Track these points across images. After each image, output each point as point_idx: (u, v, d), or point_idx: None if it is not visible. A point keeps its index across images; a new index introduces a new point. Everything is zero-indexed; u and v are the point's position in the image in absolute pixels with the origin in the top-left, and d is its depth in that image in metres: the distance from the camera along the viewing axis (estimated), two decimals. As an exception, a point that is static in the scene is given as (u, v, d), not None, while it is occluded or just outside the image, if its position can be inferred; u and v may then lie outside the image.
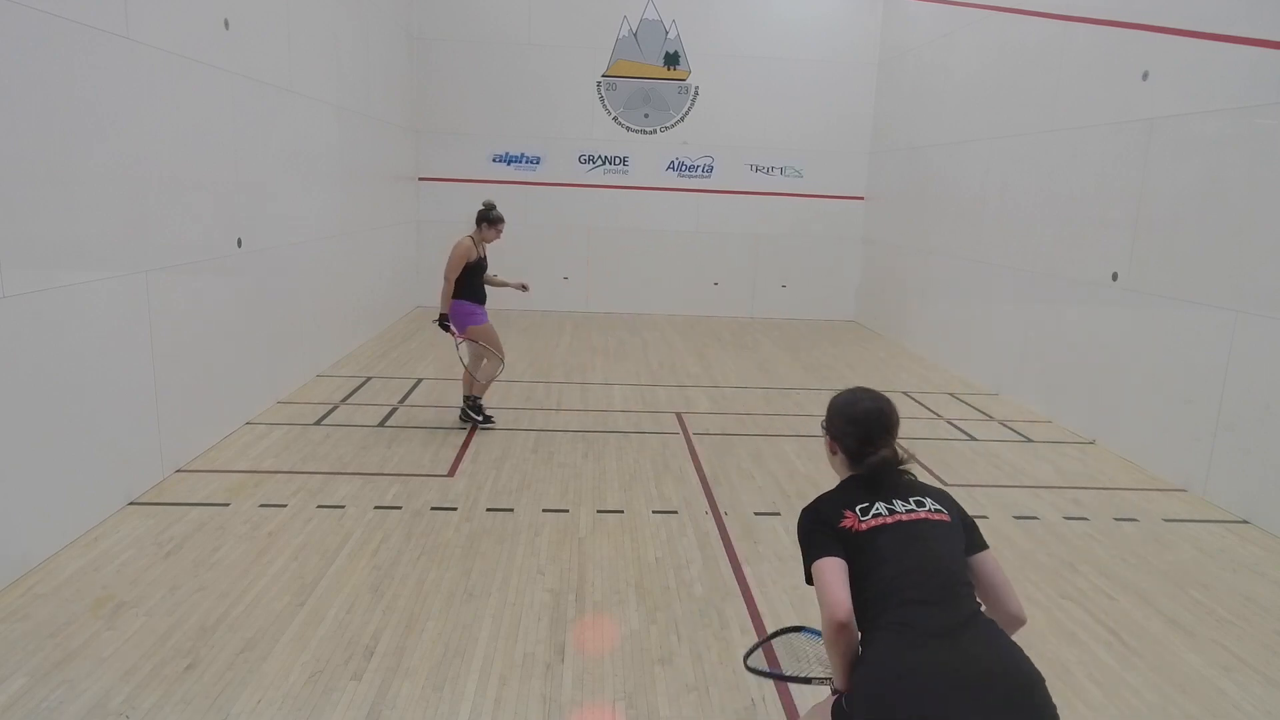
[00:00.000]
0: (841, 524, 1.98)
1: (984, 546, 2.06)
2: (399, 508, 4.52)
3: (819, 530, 2.01)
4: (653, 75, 11.15)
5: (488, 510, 4.54)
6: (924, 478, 5.31)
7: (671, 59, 11.14)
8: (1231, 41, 5.08)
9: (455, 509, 4.54)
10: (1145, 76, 5.82)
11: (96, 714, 2.72)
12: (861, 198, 11.52)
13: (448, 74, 10.88)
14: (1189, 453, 5.27)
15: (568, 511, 4.57)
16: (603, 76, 11.12)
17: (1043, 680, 1.84)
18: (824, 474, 5.32)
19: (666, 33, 11.09)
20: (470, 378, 5.96)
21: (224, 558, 3.84)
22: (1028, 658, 1.85)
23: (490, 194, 11.14)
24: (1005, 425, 6.61)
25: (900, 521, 1.97)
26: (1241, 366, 4.90)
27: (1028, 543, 4.38)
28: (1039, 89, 7.18)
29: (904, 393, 7.54)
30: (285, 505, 4.48)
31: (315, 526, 4.23)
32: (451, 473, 5.09)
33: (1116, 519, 4.76)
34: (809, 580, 2.01)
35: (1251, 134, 4.92)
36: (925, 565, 1.89)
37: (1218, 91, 5.19)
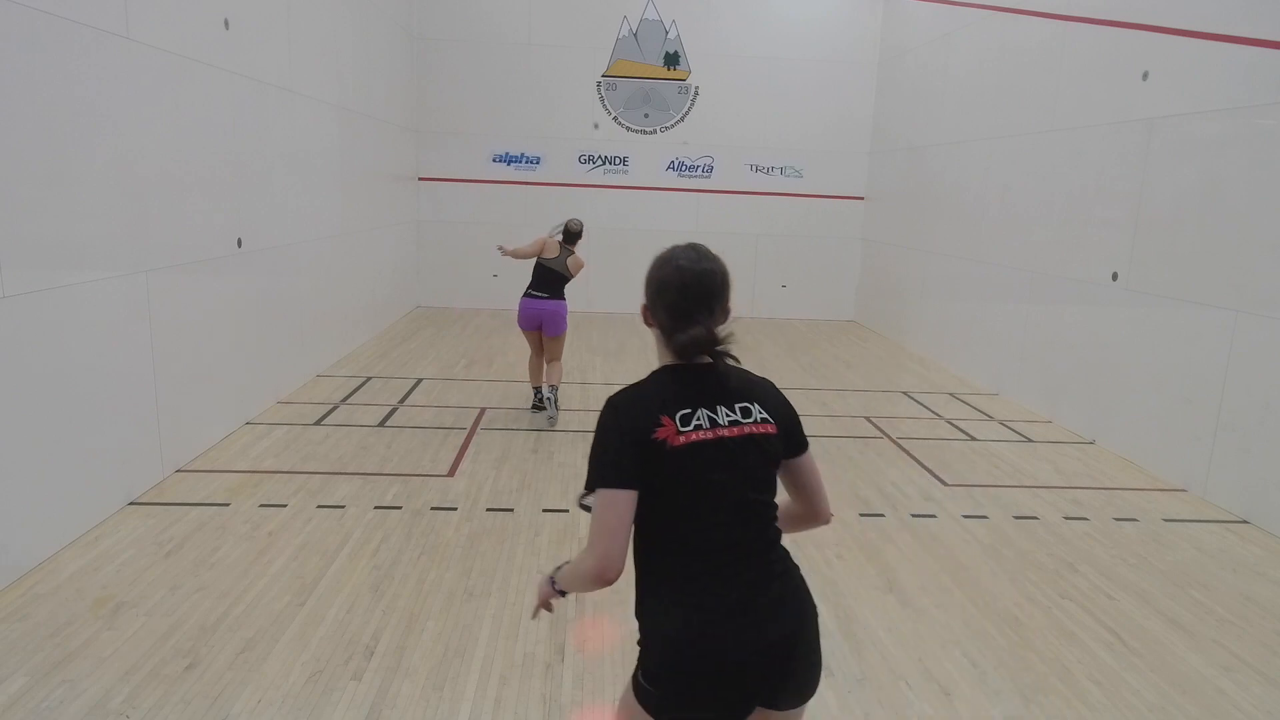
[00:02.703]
0: (655, 434, 1.61)
1: (803, 448, 1.82)
2: (399, 508, 4.52)
3: (624, 443, 1.61)
4: (653, 75, 11.15)
5: (488, 510, 4.54)
6: (924, 477, 5.41)
7: (671, 59, 11.14)
8: (1231, 41, 5.08)
9: (455, 509, 4.54)
10: (1145, 76, 5.82)
11: (96, 714, 2.72)
12: (861, 198, 11.52)
13: (448, 74, 10.88)
14: (1189, 453, 5.27)
15: (568, 511, 4.57)
16: (603, 76, 11.12)
17: (815, 632, 1.74)
18: (824, 473, 5.30)
19: (666, 33, 11.09)
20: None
21: (224, 558, 3.84)
22: (809, 607, 1.75)
23: (489, 194, 11.24)
24: (1005, 425, 6.61)
25: (721, 439, 1.65)
26: (1241, 366, 4.90)
27: (1028, 543, 4.38)
28: (1039, 89, 7.18)
29: (904, 393, 7.55)
30: (285, 505, 4.48)
31: (315, 526, 4.23)
32: (451, 473, 5.09)
33: (1116, 519, 4.76)
34: (584, 500, 1.70)
35: (1251, 134, 4.92)
36: (734, 510, 1.66)
37: (1217, 91, 5.19)
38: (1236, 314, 4.94)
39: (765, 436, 1.71)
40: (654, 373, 1.75)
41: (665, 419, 1.62)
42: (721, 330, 1.73)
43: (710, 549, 1.65)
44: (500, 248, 6.38)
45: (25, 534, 3.64)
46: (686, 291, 1.72)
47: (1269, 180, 4.77)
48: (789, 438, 1.78)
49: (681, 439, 1.62)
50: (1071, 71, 6.74)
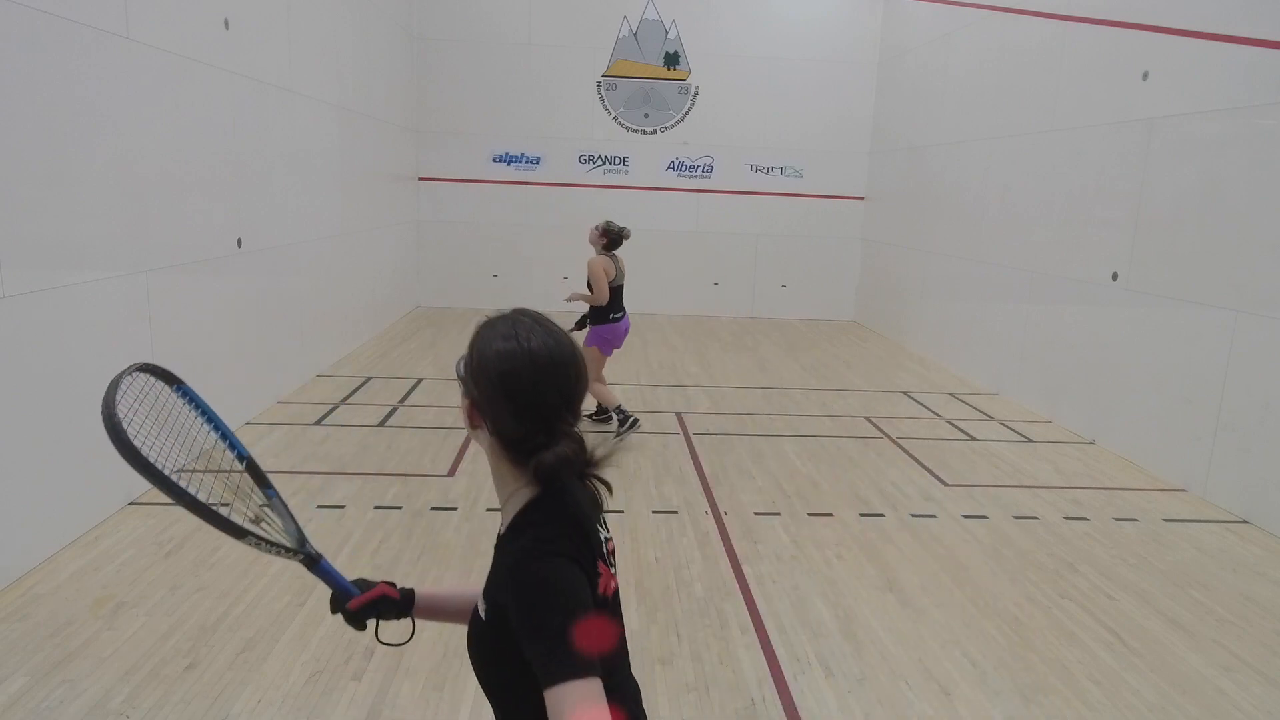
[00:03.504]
0: (600, 587, 1.23)
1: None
2: (399, 508, 4.52)
3: (587, 600, 1.16)
4: (653, 75, 11.15)
5: (488, 510, 4.54)
6: (924, 477, 5.42)
7: (671, 59, 11.14)
8: (1231, 41, 5.08)
9: (455, 509, 4.54)
10: (1145, 76, 5.82)
11: (96, 714, 2.72)
12: (861, 198, 11.52)
13: (448, 74, 10.88)
14: (1189, 453, 5.27)
15: (568, 511, 4.56)
16: (603, 76, 11.12)
17: None
18: (824, 473, 5.34)
19: (666, 33, 11.08)
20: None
21: (224, 558, 3.84)
22: None
23: (489, 194, 11.24)
24: (1005, 425, 6.61)
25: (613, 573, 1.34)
26: (1241, 366, 4.90)
27: (1028, 543, 4.38)
28: (1039, 89, 7.18)
29: (904, 393, 7.55)
30: (285, 505, 4.47)
31: (315, 527, 4.23)
32: (451, 473, 5.09)
33: (1116, 519, 4.76)
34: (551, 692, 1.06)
35: (1251, 134, 4.92)
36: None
37: (1217, 91, 5.19)
38: (1236, 314, 4.94)
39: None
40: (533, 501, 1.25)
41: (601, 564, 1.26)
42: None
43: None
44: (573, 298, 5.91)
45: (25, 534, 3.64)
46: (544, 386, 1.23)
47: (1269, 180, 4.77)
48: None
49: (613, 584, 1.29)
50: (1071, 71, 6.74)
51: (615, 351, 6.18)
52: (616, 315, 5.89)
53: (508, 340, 1.25)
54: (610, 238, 5.88)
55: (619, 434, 5.74)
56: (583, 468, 1.26)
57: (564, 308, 5.58)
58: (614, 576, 1.30)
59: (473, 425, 1.31)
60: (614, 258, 5.90)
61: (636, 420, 5.88)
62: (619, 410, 5.84)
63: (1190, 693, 3.10)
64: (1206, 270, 5.21)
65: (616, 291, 5.89)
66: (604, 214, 11.69)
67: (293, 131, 6.65)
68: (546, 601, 1.11)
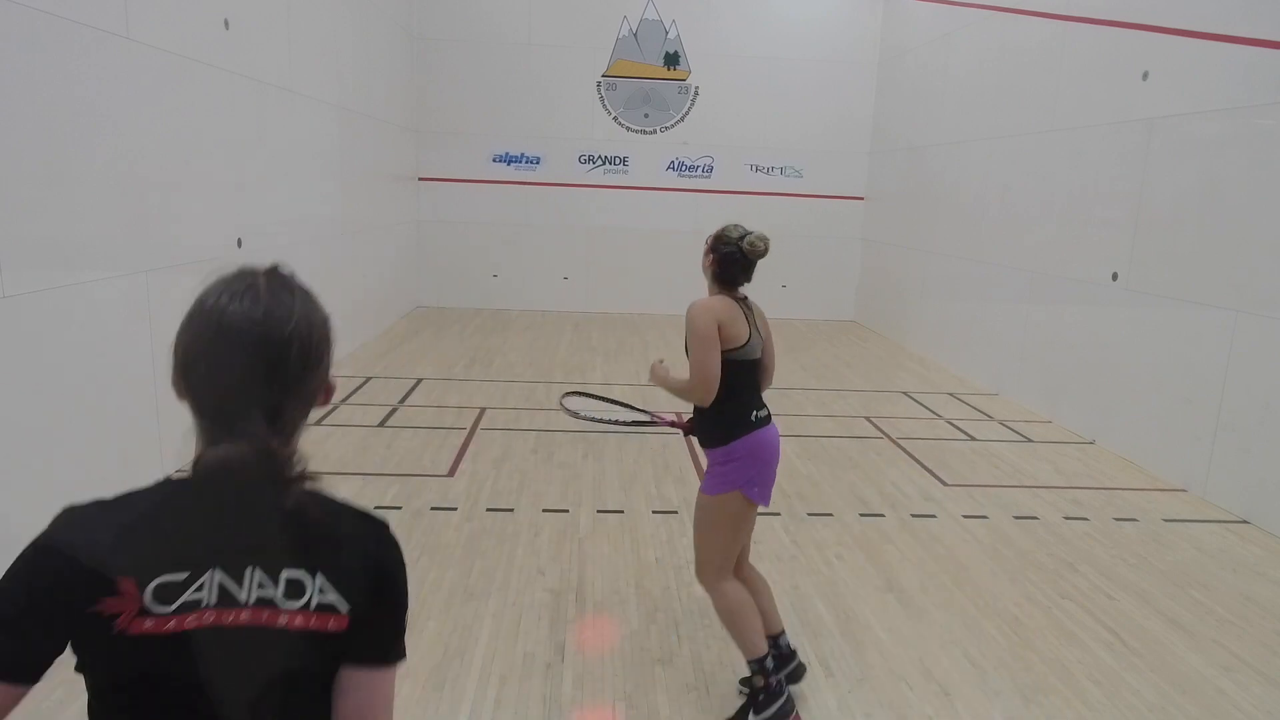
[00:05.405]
0: (92, 608, 0.94)
1: (378, 658, 1.05)
2: (399, 508, 4.52)
3: (27, 606, 0.96)
4: (653, 75, 11.15)
5: (488, 510, 4.54)
6: (924, 477, 5.42)
7: (671, 59, 11.14)
8: (1231, 41, 5.08)
9: (455, 509, 4.54)
10: (1145, 76, 5.82)
11: (96, 714, 2.72)
12: (861, 198, 11.52)
13: (448, 74, 10.88)
14: (1189, 453, 5.27)
15: (568, 511, 4.57)
16: (603, 76, 11.12)
17: None
18: (824, 474, 5.33)
19: (666, 33, 11.08)
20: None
21: (224, 558, 3.83)
22: None
23: (489, 194, 11.23)
24: (1005, 425, 6.61)
25: (221, 627, 0.97)
26: (1241, 366, 4.90)
27: (1028, 543, 4.38)
28: (1039, 89, 7.18)
29: (904, 393, 7.55)
30: (285, 505, 4.47)
31: (315, 526, 4.22)
32: (451, 473, 5.09)
33: (1116, 519, 4.76)
34: None
35: (1251, 134, 4.92)
36: None
37: (1217, 91, 5.19)
38: (1236, 314, 4.94)
39: (311, 635, 0.99)
40: (155, 485, 1.02)
41: (125, 584, 0.94)
42: (292, 441, 1.02)
43: None
44: (655, 369, 3.12)
45: (25, 534, 3.63)
46: (228, 363, 0.98)
47: (1269, 180, 4.77)
48: (362, 634, 1.02)
49: (146, 622, 0.94)
50: (1071, 71, 6.74)
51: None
52: (753, 418, 2.79)
53: (199, 296, 1.02)
54: (723, 256, 2.81)
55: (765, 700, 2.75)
56: (256, 485, 0.96)
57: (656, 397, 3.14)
58: (173, 617, 0.94)
59: (179, 395, 1.02)
60: (740, 303, 2.83)
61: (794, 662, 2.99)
62: (764, 665, 2.76)
63: (1190, 693, 3.10)
64: (1206, 270, 5.21)
65: (744, 371, 2.79)
66: (604, 213, 11.77)
67: (293, 131, 6.65)
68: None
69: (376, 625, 1.04)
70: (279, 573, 0.99)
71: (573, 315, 11.18)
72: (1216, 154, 5.18)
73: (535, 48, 10.92)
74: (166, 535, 0.98)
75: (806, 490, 5.01)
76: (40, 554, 0.96)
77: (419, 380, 7.32)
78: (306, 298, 1.05)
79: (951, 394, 7.59)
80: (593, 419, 3.07)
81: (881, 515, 4.68)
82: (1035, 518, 4.73)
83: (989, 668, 3.21)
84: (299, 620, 0.98)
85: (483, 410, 6.44)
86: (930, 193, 9.45)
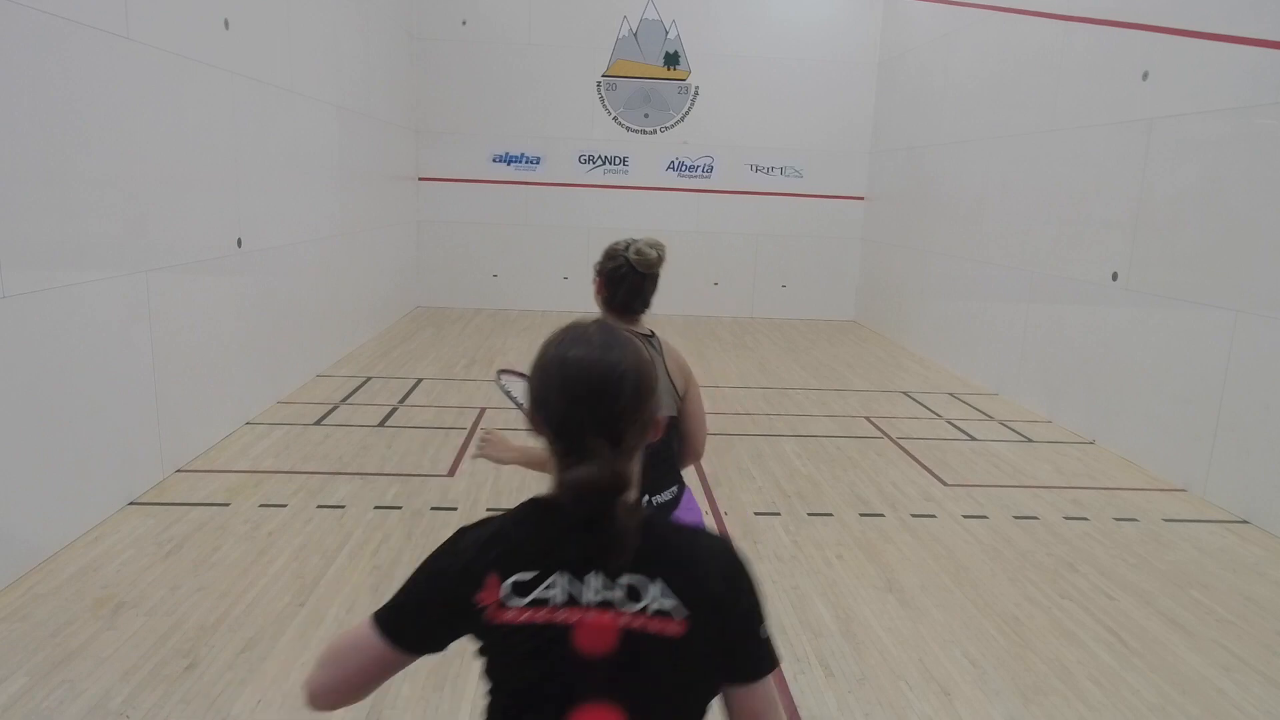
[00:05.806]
0: (476, 595, 1.14)
1: (752, 676, 1.17)
2: (399, 508, 4.52)
3: (428, 595, 1.20)
4: (653, 75, 11.15)
5: (488, 510, 4.53)
6: (924, 477, 5.42)
7: (671, 59, 11.14)
8: (1232, 41, 5.08)
9: (455, 509, 4.54)
10: (1145, 76, 5.82)
11: (96, 714, 2.72)
12: (861, 198, 11.52)
13: (448, 74, 10.88)
14: (1189, 453, 5.27)
15: (568, 511, 4.56)
16: (603, 76, 11.12)
17: None
18: (824, 473, 5.33)
19: (666, 33, 11.08)
20: None
21: (224, 558, 3.84)
22: None
23: (489, 194, 11.23)
24: (1005, 425, 6.61)
25: (568, 625, 1.13)
26: (1241, 366, 4.90)
27: (1028, 543, 4.38)
28: (1039, 89, 7.18)
29: (904, 392, 7.55)
30: (285, 505, 4.48)
31: (315, 526, 4.23)
32: (451, 473, 5.09)
33: (1116, 519, 4.76)
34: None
35: (1251, 134, 4.92)
36: None
37: (1218, 91, 5.19)
38: (1236, 314, 4.94)
39: (657, 639, 1.12)
40: (524, 505, 1.23)
41: (492, 577, 1.15)
42: (633, 464, 1.17)
43: None
44: (493, 442, 2.50)
45: (25, 534, 3.64)
46: (575, 400, 1.15)
47: (1270, 180, 4.77)
48: (727, 656, 1.16)
49: (505, 613, 1.14)
50: (1071, 71, 6.74)
51: None
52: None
53: (549, 341, 1.23)
54: (609, 275, 2.51)
55: None
56: (604, 499, 1.11)
57: None
58: (527, 611, 1.13)
59: (536, 431, 1.22)
60: (644, 340, 2.44)
61: None
62: None
63: (1190, 693, 3.10)
64: (1206, 270, 5.21)
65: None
66: (604, 213, 11.76)
67: (293, 131, 6.66)
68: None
69: (739, 641, 1.16)
70: (619, 577, 1.13)
71: (573, 315, 11.07)
72: (1217, 154, 5.18)
73: (535, 47, 10.92)
74: (525, 540, 1.17)
75: (806, 490, 5.01)
76: (439, 555, 1.21)
77: (419, 380, 7.32)
78: (630, 342, 1.22)
79: (951, 394, 7.59)
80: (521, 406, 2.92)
81: (881, 515, 4.68)
82: (1035, 518, 4.73)
83: (989, 667, 3.21)
84: (637, 622, 1.12)
85: (483, 410, 6.44)
86: (930, 193, 9.45)
